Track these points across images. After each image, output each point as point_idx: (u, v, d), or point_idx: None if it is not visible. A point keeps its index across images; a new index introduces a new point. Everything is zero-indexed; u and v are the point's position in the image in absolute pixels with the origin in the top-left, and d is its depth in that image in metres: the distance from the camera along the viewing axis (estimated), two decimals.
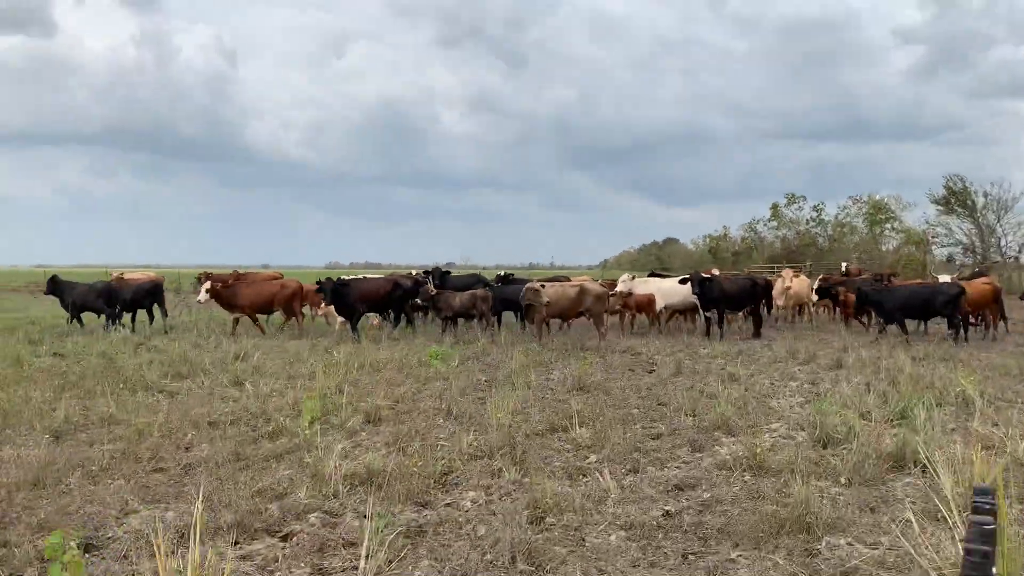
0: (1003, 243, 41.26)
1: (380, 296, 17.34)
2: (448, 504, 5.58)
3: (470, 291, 17.17)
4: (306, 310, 19.00)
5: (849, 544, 4.71)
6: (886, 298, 16.31)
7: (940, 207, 43.12)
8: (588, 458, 6.75)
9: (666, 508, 5.41)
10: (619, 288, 18.70)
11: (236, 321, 17.51)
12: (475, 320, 16.93)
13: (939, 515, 4.71)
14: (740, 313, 18.94)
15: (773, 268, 42.96)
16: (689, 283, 17.43)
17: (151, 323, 18.65)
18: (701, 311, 17.77)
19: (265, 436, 7.44)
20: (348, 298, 16.65)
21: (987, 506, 2.49)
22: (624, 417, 8.45)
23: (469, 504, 5.57)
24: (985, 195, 41.12)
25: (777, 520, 4.92)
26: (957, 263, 41.15)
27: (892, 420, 8.01)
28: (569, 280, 19.47)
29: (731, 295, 17.35)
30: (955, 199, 42.20)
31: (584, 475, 6.20)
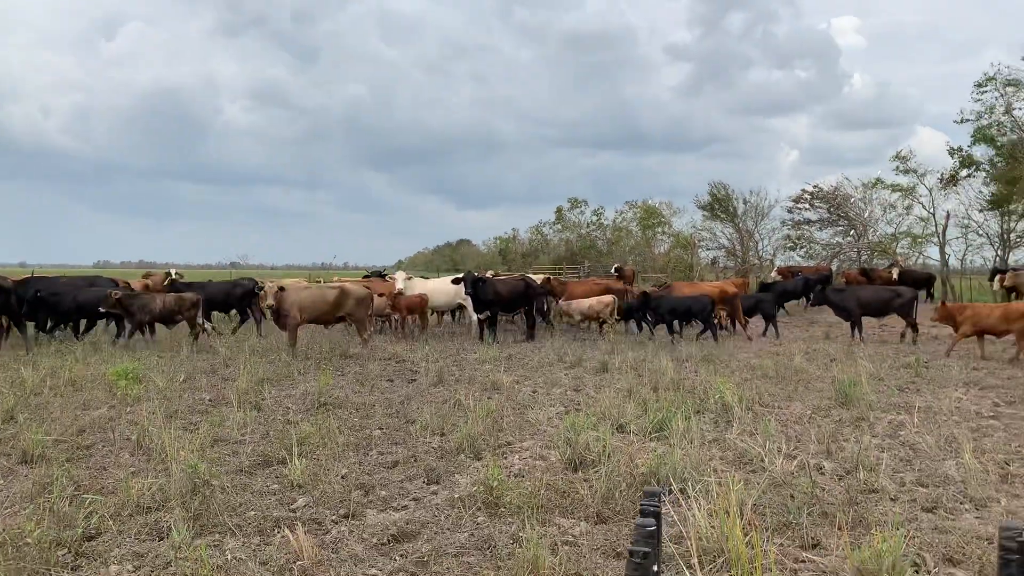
0: (760, 247, 44.43)
1: None
2: None
3: (176, 294, 15.58)
4: None
5: None
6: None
7: (706, 213, 45.76)
8: (295, 502, 5.45)
9: (369, 574, 4.24)
10: (396, 288, 17.62)
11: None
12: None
13: (691, 562, 3.92)
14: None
15: (556, 270, 43.81)
16: (462, 283, 16.69)
17: None
18: (473, 313, 17.02)
19: None
20: None
21: (652, 508, 2.51)
22: (360, 442, 7.22)
23: None
24: (745, 202, 44.09)
25: None
26: (720, 265, 43.72)
27: (650, 433, 7.43)
28: (305, 282, 18.02)
29: (504, 297, 16.69)
30: (719, 205, 44.91)
31: (281, 528, 4.88)
